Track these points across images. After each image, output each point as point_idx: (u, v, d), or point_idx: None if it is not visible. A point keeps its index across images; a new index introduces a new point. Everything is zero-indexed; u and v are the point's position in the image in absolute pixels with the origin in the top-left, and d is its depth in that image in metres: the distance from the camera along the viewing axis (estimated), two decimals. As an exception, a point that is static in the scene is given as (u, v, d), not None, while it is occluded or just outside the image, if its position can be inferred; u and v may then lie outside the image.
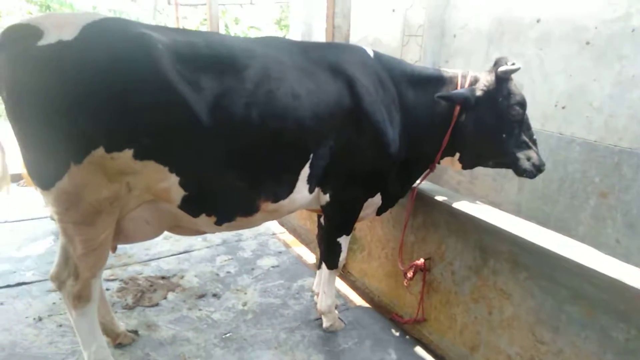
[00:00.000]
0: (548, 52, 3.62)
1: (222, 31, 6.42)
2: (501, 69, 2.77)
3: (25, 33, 2.01)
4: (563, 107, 3.55)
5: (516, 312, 2.66)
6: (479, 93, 2.82)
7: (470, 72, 2.96)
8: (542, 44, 3.66)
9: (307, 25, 6.85)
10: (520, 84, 3.82)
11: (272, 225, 5.26)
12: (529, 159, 2.88)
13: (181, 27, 8.24)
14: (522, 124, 2.88)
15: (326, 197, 2.89)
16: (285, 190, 2.65)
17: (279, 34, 19.96)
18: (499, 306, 2.76)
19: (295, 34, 7.19)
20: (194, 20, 18.75)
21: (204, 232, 2.83)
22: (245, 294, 3.80)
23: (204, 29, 18.13)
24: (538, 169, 2.89)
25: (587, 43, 3.36)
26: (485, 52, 4.08)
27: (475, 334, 2.93)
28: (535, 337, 2.57)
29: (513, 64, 2.74)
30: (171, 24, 17.31)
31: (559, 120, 3.58)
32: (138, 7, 18.67)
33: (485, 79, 2.86)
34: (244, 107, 2.32)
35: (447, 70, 3.05)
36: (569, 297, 2.38)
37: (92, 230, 2.29)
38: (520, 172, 2.91)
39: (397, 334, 3.37)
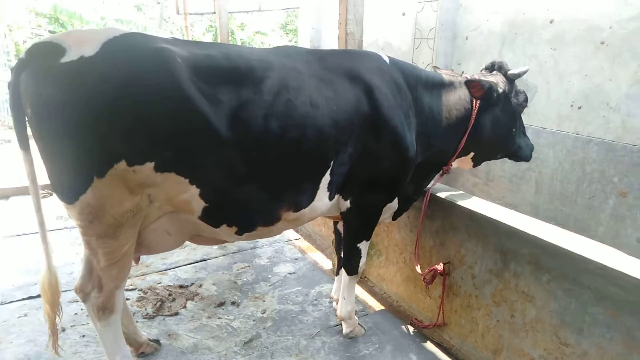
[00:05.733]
0: (562, 53, 3.61)
1: (227, 38, 6.46)
2: (512, 71, 3.08)
3: (49, 50, 2.04)
4: (579, 108, 3.53)
5: (539, 315, 2.65)
6: (500, 90, 2.98)
7: (473, 75, 3.15)
8: (556, 45, 3.64)
9: (317, 30, 6.87)
10: (535, 85, 3.82)
11: (287, 232, 5.26)
12: (527, 145, 3.30)
13: (190, 35, 8.30)
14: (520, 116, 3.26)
15: (346, 204, 2.90)
16: (306, 199, 2.66)
17: (285, 39, 20.07)
18: (522, 309, 2.75)
19: (304, 40, 7.22)
20: (199, 28, 18.92)
21: (225, 242, 2.85)
22: (264, 301, 3.82)
23: (209, 36, 18.30)
24: (532, 151, 3.34)
25: (602, 43, 3.35)
26: (499, 53, 4.07)
27: (498, 337, 2.92)
28: (559, 339, 2.55)
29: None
30: (178, 32, 17.49)
31: (576, 121, 3.57)
32: (145, 16, 18.89)
33: (501, 80, 3.02)
34: (263, 119, 2.34)
35: (454, 74, 3.20)
36: (593, 298, 2.37)
37: (114, 243, 2.31)
38: (523, 158, 3.33)
39: (418, 338, 3.36)
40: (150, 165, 2.16)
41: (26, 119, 2.14)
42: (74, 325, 3.35)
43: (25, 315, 3.47)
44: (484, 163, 3.45)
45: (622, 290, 2.23)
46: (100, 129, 2.05)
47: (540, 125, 3.83)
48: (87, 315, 3.39)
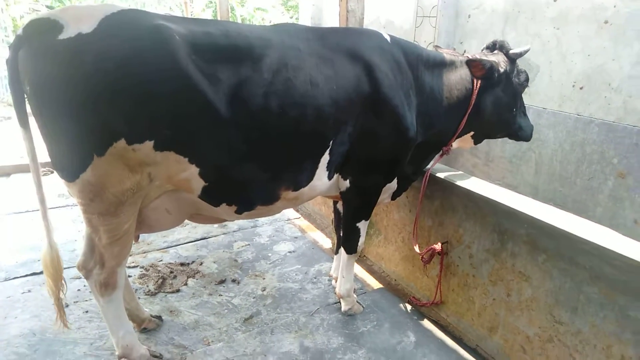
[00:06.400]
0: (565, 32, 3.56)
1: (227, 14, 6.38)
2: (514, 50, 3.06)
3: (46, 27, 2.03)
4: (581, 88, 3.50)
5: (535, 294, 2.69)
6: (501, 70, 2.97)
7: (474, 55, 3.12)
8: (559, 24, 3.59)
9: (317, 7, 6.78)
10: (537, 64, 3.79)
11: (287, 211, 5.30)
12: (527, 125, 3.31)
13: (189, 11, 8.20)
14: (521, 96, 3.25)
15: (346, 183, 2.91)
16: (305, 178, 2.67)
17: (286, 15, 19.77)
18: (518, 288, 2.79)
19: (305, 16, 7.12)
20: (199, 4, 18.60)
21: (224, 221, 2.87)
22: (264, 279, 3.87)
23: (209, 12, 18.02)
24: (532, 131, 3.36)
25: (606, 22, 3.30)
26: (501, 32, 4.02)
27: (494, 315, 2.96)
28: (553, 317, 2.60)
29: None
30: (177, 8, 17.23)
31: (577, 101, 3.54)
32: (144, -9, 18.53)
33: (502, 60, 2.99)
34: (262, 97, 2.33)
35: (455, 53, 3.18)
36: (588, 278, 2.41)
37: (115, 220, 2.33)
38: (523, 138, 3.33)
39: (415, 316, 3.42)
40: (149, 144, 2.17)
41: (25, 96, 2.14)
42: (77, 302, 3.41)
43: (29, 291, 3.53)
44: (484, 143, 3.45)
45: (616, 270, 2.26)
46: (99, 107, 2.05)
47: (541, 106, 3.81)
48: (90, 292, 3.45)
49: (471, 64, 2.93)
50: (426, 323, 3.35)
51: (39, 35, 2.03)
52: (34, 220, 4.71)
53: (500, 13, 4.05)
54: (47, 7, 14.80)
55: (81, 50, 2.00)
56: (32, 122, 2.19)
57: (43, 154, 2.24)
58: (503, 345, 2.92)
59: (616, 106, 3.31)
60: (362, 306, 3.46)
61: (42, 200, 2.36)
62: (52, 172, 5.91)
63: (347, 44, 2.70)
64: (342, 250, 3.31)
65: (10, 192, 5.59)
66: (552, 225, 2.54)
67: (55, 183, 5.05)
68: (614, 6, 3.24)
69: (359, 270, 4.11)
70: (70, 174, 2.20)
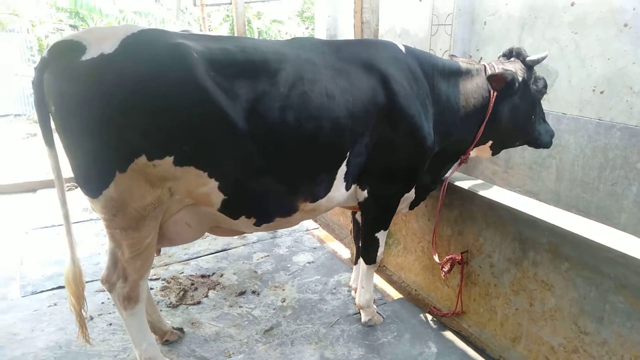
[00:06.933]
0: (584, 36, 3.51)
1: (244, 27, 6.48)
2: (531, 57, 3.03)
3: (70, 49, 2.10)
4: (601, 92, 3.44)
5: (558, 303, 2.63)
6: (520, 78, 2.93)
7: (491, 63, 3.10)
8: (577, 28, 3.55)
9: (333, 18, 6.83)
10: (555, 70, 3.74)
11: (306, 222, 5.31)
12: (547, 131, 3.24)
13: (207, 26, 8.36)
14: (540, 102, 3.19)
15: (364, 194, 2.92)
16: (323, 190, 2.69)
17: (302, 26, 19.97)
18: (541, 297, 2.74)
19: (320, 28, 7.18)
20: (216, 18, 18.96)
21: (244, 233, 2.90)
22: (284, 290, 3.88)
23: (226, 26, 18.34)
24: (552, 137, 3.28)
25: (625, 25, 3.25)
26: (518, 38, 3.98)
27: (517, 325, 2.91)
28: (578, 327, 2.54)
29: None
30: (195, 23, 17.59)
31: (598, 106, 3.48)
32: (162, 8, 18.99)
33: (519, 68, 2.96)
34: (279, 111, 2.36)
35: (471, 61, 3.16)
36: (613, 287, 2.35)
37: (137, 235, 2.38)
38: (543, 145, 3.27)
39: (436, 327, 3.38)
40: (169, 159, 2.21)
41: (50, 116, 2.21)
42: (101, 314, 3.48)
43: (55, 304, 3.61)
44: (504, 150, 3.41)
45: (643, 278, 2.20)
46: (120, 124, 2.11)
47: (561, 111, 3.75)
48: (114, 305, 3.52)
49: (492, 78, 2.85)
50: (447, 333, 3.31)
51: (63, 57, 2.10)
52: (59, 235, 4.83)
53: (516, 19, 4.02)
54: (70, 26, 15.27)
55: (102, 70, 2.07)
56: (57, 140, 2.27)
57: (68, 170, 2.31)
58: (527, 356, 2.86)
59: (638, 110, 3.24)
60: (382, 317, 3.44)
61: (67, 217, 2.43)
62: (76, 187, 6.04)
63: (362, 55, 2.73)
64: (361, 260, 3.30)
65: (37, 207, 5.74)
66: (574, 233, 2.49)
67: (79, 197, 5.17)
68: (634, 9, 3.19)
69: (378, 280, 4.09)
70: (93, 190, 2.26)
